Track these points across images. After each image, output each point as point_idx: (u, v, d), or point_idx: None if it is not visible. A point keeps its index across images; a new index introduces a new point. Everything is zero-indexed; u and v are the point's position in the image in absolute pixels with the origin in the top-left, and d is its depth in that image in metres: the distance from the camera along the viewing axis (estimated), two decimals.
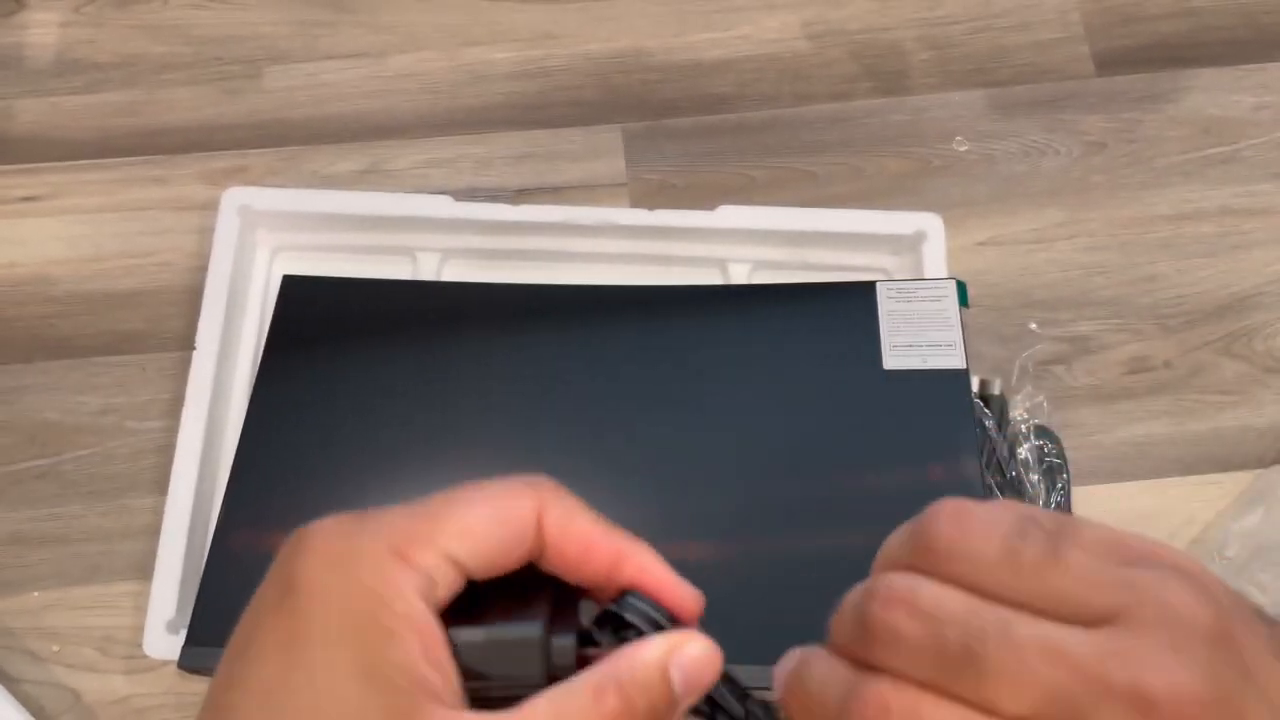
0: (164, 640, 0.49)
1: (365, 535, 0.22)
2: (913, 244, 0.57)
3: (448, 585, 0.22)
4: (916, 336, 0.53)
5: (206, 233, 0.58)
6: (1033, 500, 0.53)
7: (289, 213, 0.58)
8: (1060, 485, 0.54)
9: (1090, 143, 0.64)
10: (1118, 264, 0.61)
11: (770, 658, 0.46)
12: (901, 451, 0.50)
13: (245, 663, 0.21)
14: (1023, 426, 0.54)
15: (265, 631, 0.22)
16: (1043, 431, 0.54)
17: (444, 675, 0.21)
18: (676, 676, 0.22)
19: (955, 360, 0.52)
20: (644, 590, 0.24)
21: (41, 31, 0.66)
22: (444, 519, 0.22)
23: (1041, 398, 0.56)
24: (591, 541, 0.23)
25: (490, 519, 0.23)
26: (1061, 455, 0.54)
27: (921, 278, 0.56)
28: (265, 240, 0.59)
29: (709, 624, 0.47)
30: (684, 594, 0.24)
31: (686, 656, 0.23)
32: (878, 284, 0.55)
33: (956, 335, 0.53)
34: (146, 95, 0.65)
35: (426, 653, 0.21)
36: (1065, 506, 0.54)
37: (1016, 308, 0.59)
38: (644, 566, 0.24)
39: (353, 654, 0.20)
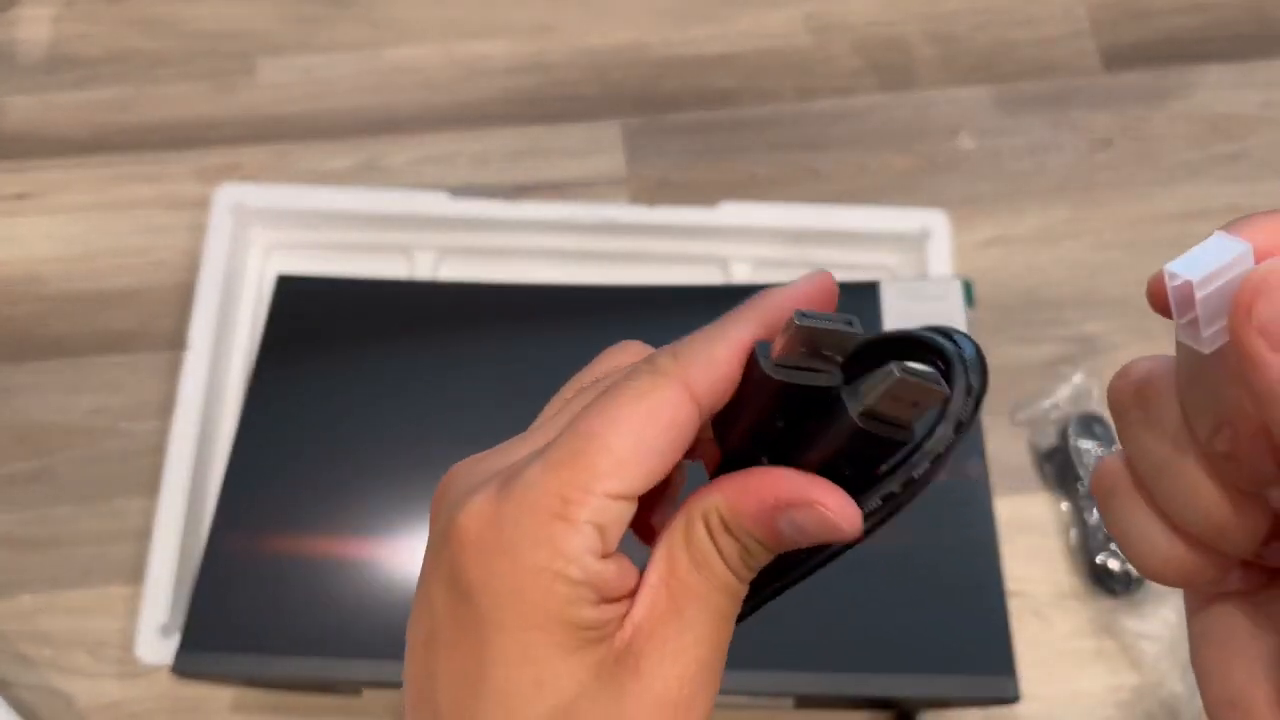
0: (156, 644, 0.48)
1: (517, 510, 0.20)
2: (917, 242, 0.56)
3: (618, 520, 0.20)
4: None
5: (200, 231, 0.57)
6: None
7: (283, 210, 0.57)
8: None
9: (1097, 140, 0.63)
10: (1125, 262, 0.60)
11: (771, 662, 0.46)
12: None
13: (436, 655, 0.21)
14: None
15: (448, 629, 0.21)
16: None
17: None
18: None
19: None
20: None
21: (33, 26, 0.66)
22: (593, 457, 0.20)
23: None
24: (738, 361, 0.21)
25: (645, 436, 0.20)
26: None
27: (926, 276, 0.55)
28: (259, 238, 0.58)
29: None
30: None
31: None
32: (882, 283, 0.54)
33: None
34: (138, 91, 0.64)
35: (612, 596, 0.20)
36: None
37: (1023, 307, 0.58)
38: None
39: (543, 634, 0.20)
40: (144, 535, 0.51)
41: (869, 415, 0.20)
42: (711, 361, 0.21)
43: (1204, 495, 0.19)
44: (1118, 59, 0.65)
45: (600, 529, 0.20)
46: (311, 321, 0.54)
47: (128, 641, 0.50)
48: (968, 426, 0.20)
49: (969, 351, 0.20)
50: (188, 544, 0.50)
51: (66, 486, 0.55)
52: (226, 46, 0.65)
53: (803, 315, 0.20)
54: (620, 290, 0.55)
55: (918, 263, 0.56)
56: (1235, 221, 0.18)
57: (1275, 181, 0.62)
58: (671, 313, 0.54)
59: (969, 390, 0.20)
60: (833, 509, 0.20)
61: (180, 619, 0.48)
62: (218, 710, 0.51)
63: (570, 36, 0.65)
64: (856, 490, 0.21)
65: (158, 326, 0.58)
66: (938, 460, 0.21)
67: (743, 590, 0.21)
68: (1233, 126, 0.63)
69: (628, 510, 0.20)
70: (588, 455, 0.20)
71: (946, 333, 0.21)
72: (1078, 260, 0.60)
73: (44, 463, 0.55)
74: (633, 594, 0.21)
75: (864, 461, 0.21)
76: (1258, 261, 0.17)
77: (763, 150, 0.63)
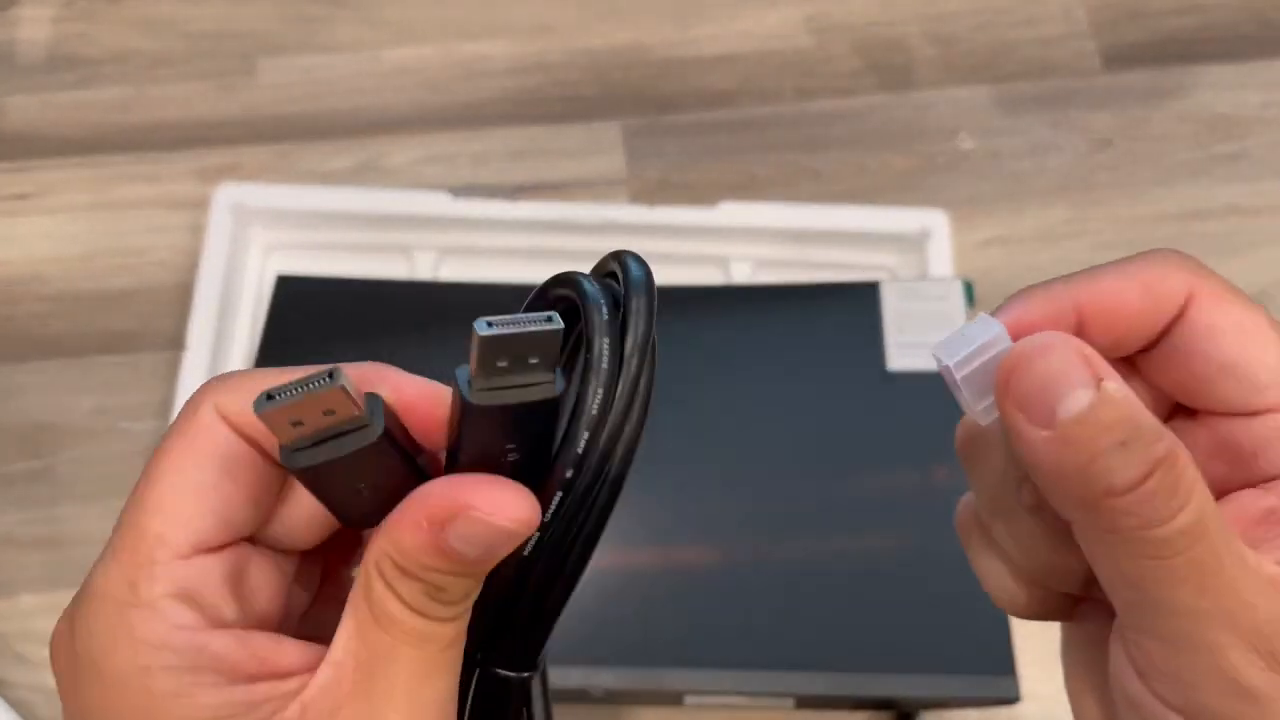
0: None
1: (87, 619, 0.18)
2: (917, 242, 0.56)
3: (209, 578, 0.18)
4: (922, 337, 0.52)
5: (200, 231, 0.57)
6: None
7: (282, 210, 0.57)
8: None
9: (1096, 140, 0.63)
10: None
11: (771, 662, 0.46)
12: (905, 453, 0.50)
13: None
14: None
15: None
16: None
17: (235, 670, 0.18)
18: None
19: None
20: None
21: (33, 26, 0.66)
22: (145, 525, 0.18)
23: None
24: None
25: (186, 477, 0.18)
26: None
27: (926, 276, 0.55)
28: (258, 238, 0.58)
29: (707, 629, 0.47)
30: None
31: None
32: (881, 284, 0.54)
33: None
34: (139, 91, 0.64)
35: (247, 673, 0.18)
36: None
37: None
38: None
39: None
40: None
41: (485, 390, 0.16)
42: (249, 392, 0.18)
43: (1025, 540, 0.20)
44: (1117, 59, 0.65)
45: (187, 597, 0.17)
46: (311, 322, 0.54)
47: None
48: (632, 366, 0.17)
49: (635, 275, 0.17)
50: None
51: (67, 486, 0.55)
52: (226, 46, 0.65)
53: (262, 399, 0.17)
54: None
55: (918, 263, 0.56)
56: (1003, 303, 0.19)
57: (1275, 181, 0.62)
58: (671, 313, 0.54)
59: (617, 322, 0.17)
60: (489, 509, 0.17)
61: None
62: None
63: (570, 36, 0.65)
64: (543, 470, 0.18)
65: (158, 326, 0.58)
66: (604, 420, 0.17)
67: (447, 630, 0.18)
68: (1233, 127, 0.63)
69: (220, 564, 0.18)
70: (139, 525, 0.18)
71: (611, 268, 0.17)
72: (1078, 260, 0.59)
73: (44, 463, 0.55)
74: (302, 672, 0.18)
75: (534, 438, 0.17)
76: (1015, 339, 0.18)
77: (762, 150, 0.63)
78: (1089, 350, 0.17)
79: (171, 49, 0.65)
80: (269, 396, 0.17)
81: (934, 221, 0.56)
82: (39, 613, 0.52)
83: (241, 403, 0.18)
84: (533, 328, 0.16)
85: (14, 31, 0.65)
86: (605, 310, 0.17)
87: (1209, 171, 0.62)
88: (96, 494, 0.54)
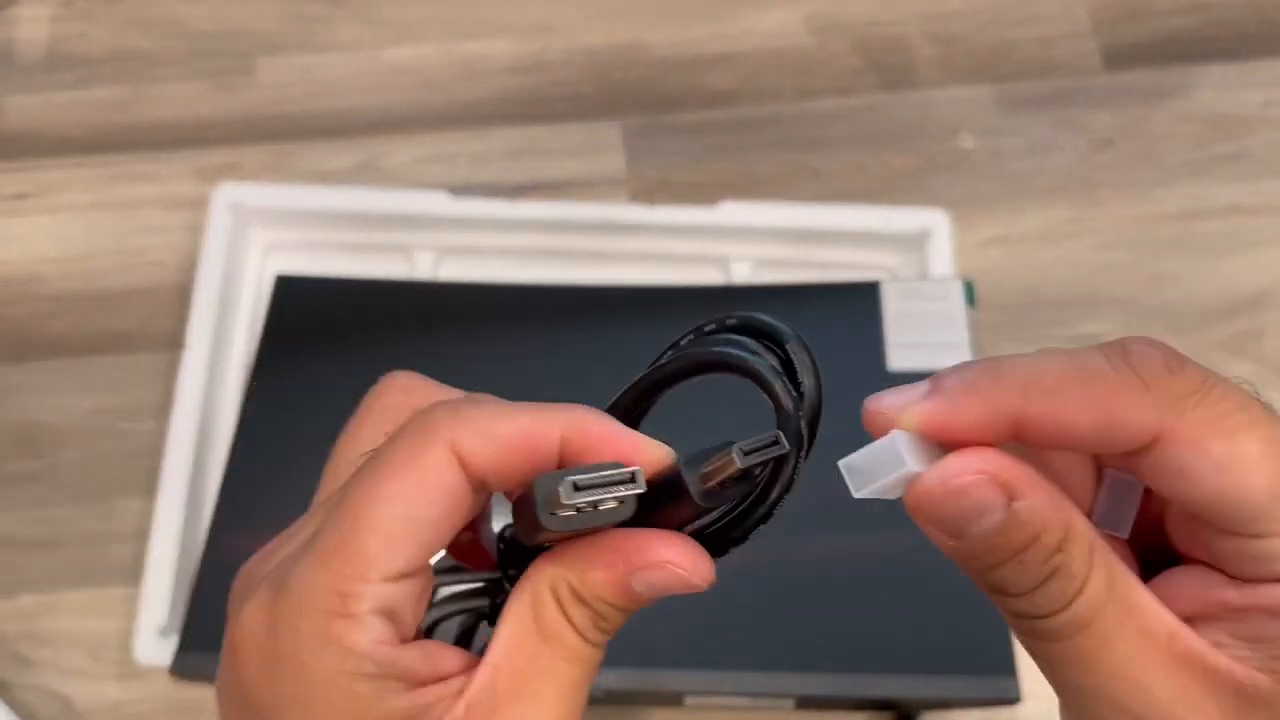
0: (155, 645, 0.48)
1: (294, 614, 0.19)
2: (918, 241, 0.56)
3: (408, 599, 0.19)
4: (922, 336, 0.52)
5: (199, 230, 0.57)
6: None
7: (282, 210, 0.57)
8: None
9: (1097, 139, 0.63)
10: (1126, 262, 0.60)
11: (771, 663, 0.46)
12: None
13: None
14: None
15: None
16: None
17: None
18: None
19: (962, 360, 0.51)
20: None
21: (31, 26, 0.66)
22: (363, 541, 0.19)
23: None
24: (525, 446, 0.20)
25: (413, 508, 0.19)
26: None
27: (927, 276, 0.55)
28: (258, 238, 0.58)
29: (707, 629, 0.47)
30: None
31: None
32: (882, 284, 0.54)
33: (963, 335, 0.52)
34: (138, 91, 0.64)
35: (425, 679, 0.19)
36: None
37: (1023, 307, 0.58)
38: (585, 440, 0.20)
39: None
40: (143, 536, 0.51)
41: (710, 494, 0.20)
42: (489, 435, 0.19)
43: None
44: (1118, 59, 0.65)
45: (388, 614, 0.19)
46: (311, 322, 0.54)
47: (127, 642, 0.50)
48: (793, 472, 0.21)
49: (808, 389, 0.20)
50: (186, 545, 0.50)
51: (66, 486, 0.55)
52: (226, 46, 0.65)
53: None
54: (620, 290, 0.55)
55: (918, 262, 0.56)
56: (932, 387, 0.20)
57: (1276, 181, 0.62)
58: (672, 313, 0.54)
59: (799, 441, 0.21)
60: (687, 567, 0.20)
61: (179, 620, 0.48)
62: (216, 711, 0.51)
63: (570, 36, 0.65)
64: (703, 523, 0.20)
65: (157, 326, 0.58)
66: (779, 502, 0.21)
67: (597, 654, 0.20)
68: (1233, 126, 0.63)
69: (416, 586, 0.19)
70: (357, 540, 0.18)
71: (792, 371, 0.21)
72: (1078, 260, 0.60)
73: (44, 463, 0.55)
74: (460, 673, 0.20)
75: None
76: (943, 441, 0.19)
77: (763, 150, 0.62)
78: (1004, 466, 0.18)
79: (171, 49, 0.65)
80: (576, 488, 0.18)
81: (934, 221, 0.56)
82: (39, 613, 0.52)
83: (480, 445, 0.19)
84: (773, 452, 0.20)
85: (12, 31, 0.65)
86: (789, 394, 0.20)
87: (1209, 171, 0.62)
88: (96, 494, 0.54)
